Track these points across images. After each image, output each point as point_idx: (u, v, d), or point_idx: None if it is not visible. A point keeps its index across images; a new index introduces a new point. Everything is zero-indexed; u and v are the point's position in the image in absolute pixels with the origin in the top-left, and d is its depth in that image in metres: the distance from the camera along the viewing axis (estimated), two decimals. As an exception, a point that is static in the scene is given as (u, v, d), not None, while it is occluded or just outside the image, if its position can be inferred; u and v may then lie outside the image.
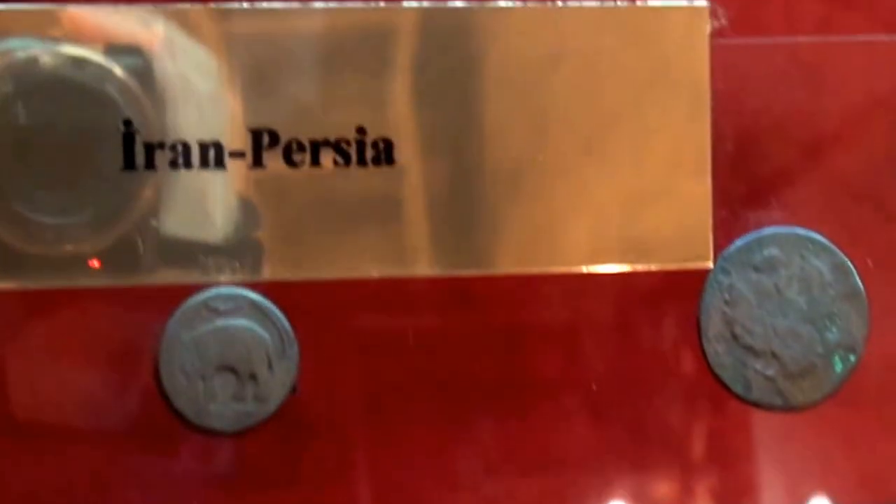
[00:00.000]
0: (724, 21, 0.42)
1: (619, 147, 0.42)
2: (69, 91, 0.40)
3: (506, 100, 0.41)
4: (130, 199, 0.40)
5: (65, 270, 0.40)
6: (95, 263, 0.40)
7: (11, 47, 0.40)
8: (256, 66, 0.40)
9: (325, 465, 0.42)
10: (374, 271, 0.41)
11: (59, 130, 0.40)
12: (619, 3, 0.42)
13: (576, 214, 0.42)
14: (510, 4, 0.41)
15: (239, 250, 0.41)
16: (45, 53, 0.40)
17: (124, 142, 0.40)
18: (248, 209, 0.41)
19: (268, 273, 0.41)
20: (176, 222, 0.40)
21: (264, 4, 0.40)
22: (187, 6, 0.40)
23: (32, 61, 0.40)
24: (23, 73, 0.39)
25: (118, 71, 0.40)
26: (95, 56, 0.40)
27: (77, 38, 0.40)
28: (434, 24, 0.41)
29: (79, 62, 0.40)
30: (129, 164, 0.40)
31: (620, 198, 0.42)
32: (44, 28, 0.40)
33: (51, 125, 0.40)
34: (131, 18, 0.40)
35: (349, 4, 0.41)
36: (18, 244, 0.40)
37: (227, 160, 0.40)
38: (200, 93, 0.40)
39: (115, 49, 0.40)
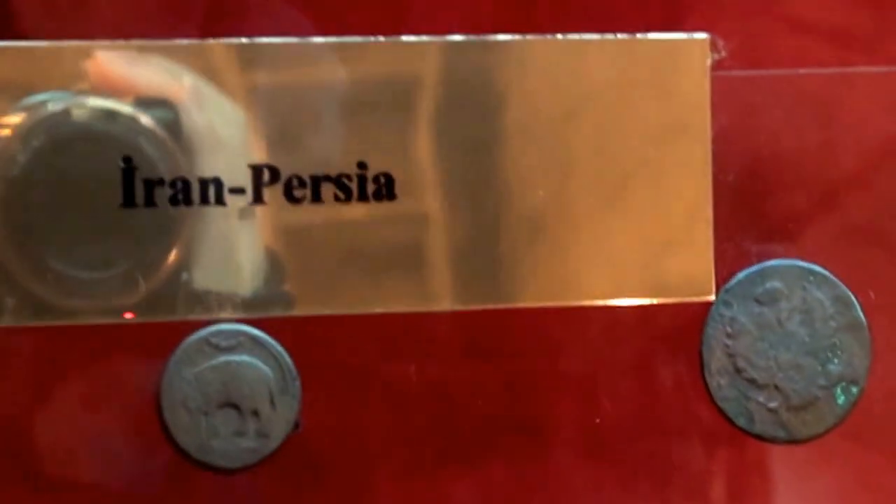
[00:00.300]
0: (724, 53, 0.42)
1: (625, 182, 0.42)
2: (101, 143, 0.40)
3: (525, 143, 0.41)
4: (161, 248, 0.40)
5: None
6: (129, 316, 0.40)
7: (43, 100, 0.40)
8: (278, 114, 0.40)
9: (329, 502, 0.42)
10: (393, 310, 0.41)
11: (92, 182, 0.40)
12: (619, 35, 0.42)
13: (591, 251, 0.42)
14: (509, 38, 0.41)
15: (260, 292, 0.41)
16: (75, 106, 0.40)
17: (123, 180, 0.40)
18: (269, 251, 0.41)
19: (284, 310, 0.41)
20: (204, 267, 0.40)
21: (267, 40, 0.41)
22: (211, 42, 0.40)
23: (64, 114, 0.40)
24: (55, 126, 0.39)
25: (146, 119, 0.40)
26: (125, 108, 0.40)
27: (106, 90, 0.40)
28: (455, 69, 0.41)
29: (109, 114, 0.40)
30: (128, 201, 0.40)
31: (629, 233, 0.42)
32: (74, 81, 0.40)
33: (85, 177, 0.40)
34: (156, 66, 0.40)
35: (355, 38, 0.41)
36: (52, 299, 0.40)
37: (227, 196, 0.40)
38: (224, 138, 0.40)
39: (145, 101, 0.40)
